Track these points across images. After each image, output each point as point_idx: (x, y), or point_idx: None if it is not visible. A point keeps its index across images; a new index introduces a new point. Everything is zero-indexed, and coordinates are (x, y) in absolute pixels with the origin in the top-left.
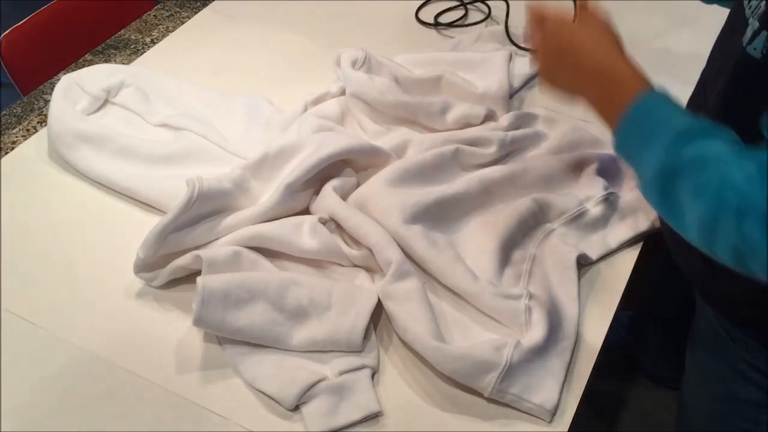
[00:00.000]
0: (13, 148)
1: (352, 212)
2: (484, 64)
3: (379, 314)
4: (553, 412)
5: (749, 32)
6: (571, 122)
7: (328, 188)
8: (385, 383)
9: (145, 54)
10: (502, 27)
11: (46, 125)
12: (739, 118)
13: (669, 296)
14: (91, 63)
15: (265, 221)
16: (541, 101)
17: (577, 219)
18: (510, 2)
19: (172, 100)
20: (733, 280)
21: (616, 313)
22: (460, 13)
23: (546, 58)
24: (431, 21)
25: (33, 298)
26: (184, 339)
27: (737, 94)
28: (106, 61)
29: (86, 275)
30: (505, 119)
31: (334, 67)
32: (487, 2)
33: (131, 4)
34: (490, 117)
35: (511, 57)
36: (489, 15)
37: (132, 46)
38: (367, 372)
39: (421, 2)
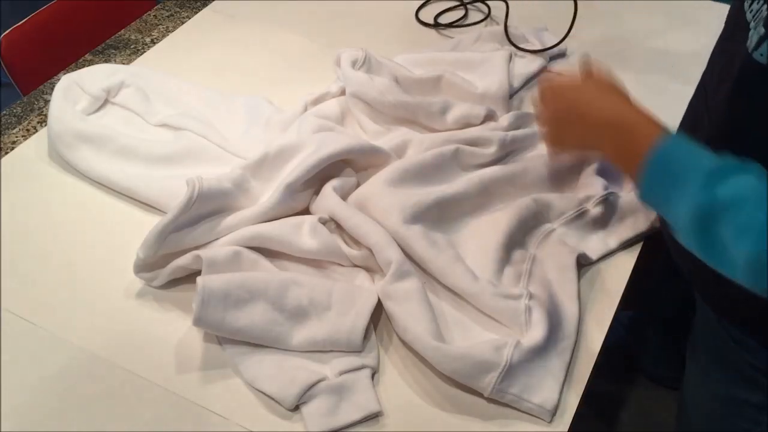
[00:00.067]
0: (13, 148)
1: (352, 212)
2: (484, 64)
3: (379, 314)
4: (553, 412)
5: (755, 38)
6: None
7: (328, 188)
8: (385, 383)
9: (145, 54)
10: (501, 27)
11: (46, 125)
12: (744, 125)
13: (669, 296)
14: (91, 63)
15: (265, 221)
16: None
17: (577, 219)
18: (509, 2)
19: (172, 100)
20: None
21: (616, 313)
22: (460, 13)
23: (554, 123)
24: (431, 21)
25: (33, 298)
26: (184, 339)
27: (742, 100)
28: (106, 61)
29: (86, 275)
30: (505, 119)
31: (334, 67)
32: (487, 2)
33: (131, 4)
34: (490, 117)
35: (511, 57)
36: (489, 15)
37: (132, 46)
38: (367, 372)
39: (421, 2)
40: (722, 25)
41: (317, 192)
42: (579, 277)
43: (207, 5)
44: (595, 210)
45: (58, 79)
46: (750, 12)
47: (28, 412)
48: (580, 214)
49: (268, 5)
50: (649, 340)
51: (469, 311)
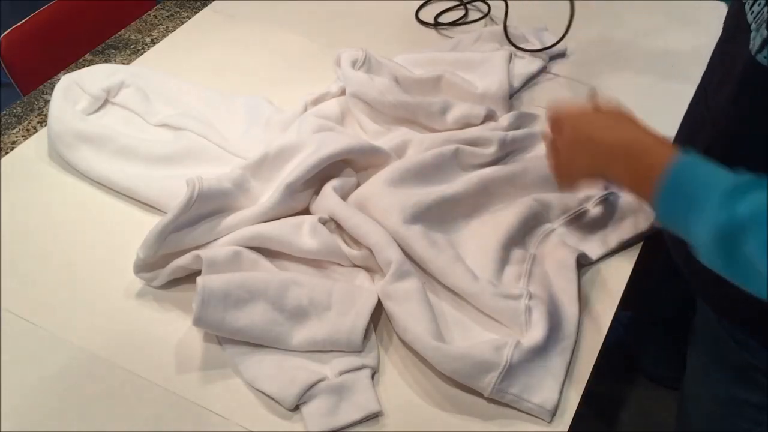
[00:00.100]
0: (13, 148)
1: (352, 212)
2: (484, 64)
3: (379, 314)
4: (553, 412)
5: (758, 40)
6: None
7: (328, 188)
8: (385, 383)
9: (145, 54)
10: (501, 27)
11: (46, 125)
12: (746, 126)
13: (669, 296)
14: (91, 63)
15: (265, 221)
16: (541, 101)
17: (577, 219)
18: (509, 2)
19: (172, 100)
20: None
21: (616, 313)
22: (459, 13)
23: (564, 150)
24: (431, 21)
25: (33, 298)
26: (184, 339)
27: (745, 102)
28: (106, 61)
29: (86, 275)
30: (505, 119)
31: (334, 67)
32: (486, 1)
33: (131, 4)
34: (490, 117)
35: (511, 57)
36: (488, 13)
37: (132, 46)
38: (367, 372)
39: (421, 2)
40: (722, 25)
41: (317, 192)
42: (579, 277)
43: (207, 5)
44: (595, 210)
45: (58, 79)
46: (751, 14)
47: (28, 412)
48: (580, 214)
49: (268, 5)
50: (649, 340)
51: (469, 311)
